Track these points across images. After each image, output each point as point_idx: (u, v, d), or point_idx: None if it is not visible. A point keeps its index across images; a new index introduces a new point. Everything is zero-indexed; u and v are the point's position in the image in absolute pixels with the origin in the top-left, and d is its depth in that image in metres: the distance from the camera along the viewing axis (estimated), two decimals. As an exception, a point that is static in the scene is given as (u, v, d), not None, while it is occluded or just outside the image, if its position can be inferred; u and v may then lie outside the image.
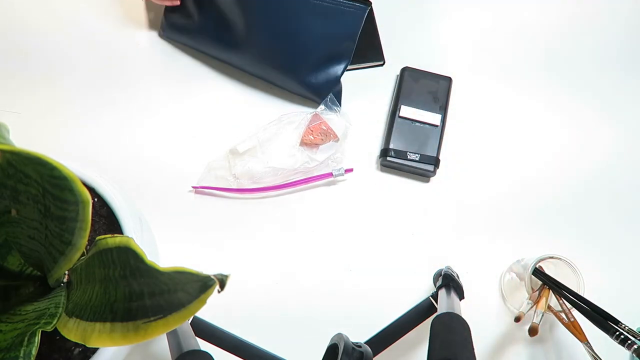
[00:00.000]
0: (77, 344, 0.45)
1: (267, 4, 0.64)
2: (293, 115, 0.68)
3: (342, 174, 0.66)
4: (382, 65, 0.72)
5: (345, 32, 0.65)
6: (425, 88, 0.69)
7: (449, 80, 0.70)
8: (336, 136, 0.67)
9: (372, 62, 0.72)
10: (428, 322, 0.56)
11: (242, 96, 0.70)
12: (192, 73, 0.71)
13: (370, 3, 0.65)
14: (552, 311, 0.58)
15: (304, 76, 0.67)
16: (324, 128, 0.66)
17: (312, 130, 0.66)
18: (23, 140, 0.37)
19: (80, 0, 0.72)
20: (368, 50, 0.71)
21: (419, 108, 0.68)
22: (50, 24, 0.71)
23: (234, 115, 0.69)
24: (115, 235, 0.35)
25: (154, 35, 0.72)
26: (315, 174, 0.66)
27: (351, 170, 0.66)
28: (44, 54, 0.70)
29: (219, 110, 0.69)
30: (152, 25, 0.72)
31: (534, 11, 0.76)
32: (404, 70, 0.70)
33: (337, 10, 0.64)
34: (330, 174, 0.66)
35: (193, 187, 0.65)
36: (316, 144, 0.67)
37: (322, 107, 0.68)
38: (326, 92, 0.68)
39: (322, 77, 0.67)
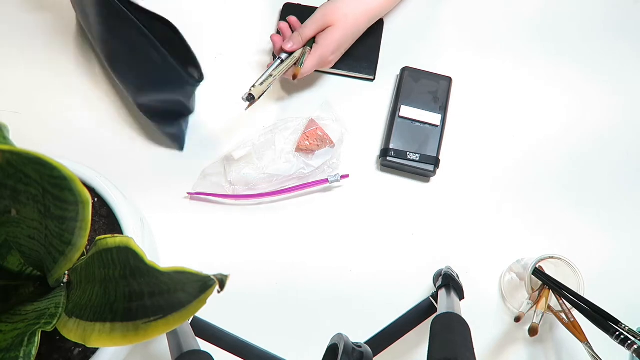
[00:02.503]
0: (77, 344, 0.45)
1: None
2: (288, 121, 0.68)
3: (337, 180, 0.66)
4: (371, 81, 0.72)
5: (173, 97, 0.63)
6: (425, 88, 0.69)
7: (449, 80, 0.70)
8: (332, 142, 0.67)
9: (363, 74, 0.71)
10: (428, 322, 0.56)
11: (234, 101, 0.70)
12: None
13: (201, 80, 0.60)
14: (552, 311, 0.58)
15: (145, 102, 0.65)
16: (320, 134, 0.66)
17: (307, 136, 0.66)
18: (23, 141, 0.37)
19: None
20: (363, 62, 0.71)
21: (419, 108, 0.68)
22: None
23: (228, 121, 0.69)
24: (115, 235, 0.35)
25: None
26: (311, 180, 0.66)
27: (347, 176, 0.66)
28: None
29: (213, 115, 0.69)
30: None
31: (533, 8, 0.76)
32: (404, 70, 0.70)
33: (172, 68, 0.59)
34: (326, 180, 0.66)
35: (188, 194, 0.65)
36: (312, 150, 0.67)
37: (318, 112, 0.68)
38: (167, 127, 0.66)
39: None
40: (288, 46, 0.64)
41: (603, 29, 0.76)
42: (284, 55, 0.65)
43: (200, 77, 0.61)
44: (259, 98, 0.62)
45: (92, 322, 0.34)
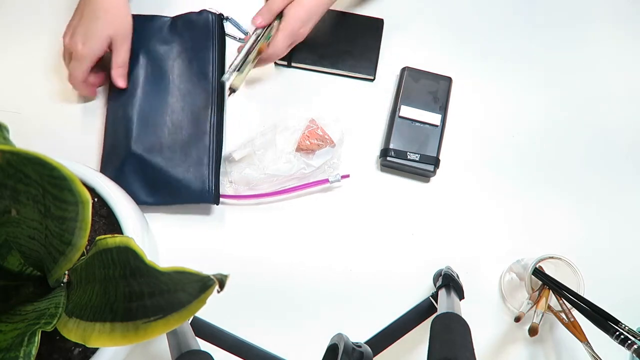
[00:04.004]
0: (77, 344, 0.45)
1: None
2: (289, 121, 0.68)
3: (338, 180, 0.66)
4: (371, 81, 0.72)
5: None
6: (425, 88, 0.69)
7: (449, 80, 0.70)
8: (332, 142, 0.67)
9: (363, 74, 0.71)
10: (428, 322, 0.56)
11: (235, 102, 0.70)
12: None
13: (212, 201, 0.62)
14: (552, 311, 0.58)
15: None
16: (321, 133, 0.66)
17: (308, 136, 0.66)
18: (23, 141, 0.37)
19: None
20: (363, 62, 0.71)
21: (419, 108, 0.68)
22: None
23: (229, 121, 0.69)
24: (115, 235, 0.35)
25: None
26: (312, 180, 0.66)
27: (347, 176, 0.66)
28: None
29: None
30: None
31: (533, 8, 0.76)
32: (404, 70, 0.70)
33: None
34: (327, 180, 0.66)
35: None
36: (312, 150, 0.67)
37: (318, 112, 0.67)
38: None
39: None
40: (258, 21, 0.60)
41: (603, 28, 0.76)
42: (259, 31, 0.62)
43: (216, 200, 0.62)
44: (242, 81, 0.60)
45: (92, 322, 0.34)
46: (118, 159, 0.63)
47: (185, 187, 0.62)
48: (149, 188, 0.62)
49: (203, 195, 0.62)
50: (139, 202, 0.59)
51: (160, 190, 0.62)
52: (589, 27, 0.76)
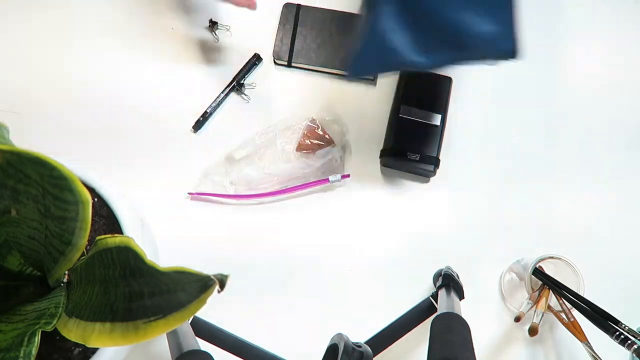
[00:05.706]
0: (77, 344, 0.45)
1: None
2: (289, 121, 0.68)
3: (338, 180, 0.66)
4: (372, 81, 0.71)
5: None
6: (425, 88, 0.69)
7: (449, 80, 0.70)
8: (333, 141, 0.67)
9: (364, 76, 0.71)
10: (428, 322, 0.56)
11: (235, 101, 0.70)
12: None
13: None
14: (552, 311, 0.58)
15: None
16: (321, 133, 0.66)
17: (308, 136, 0.66)
18: (23, 141, 0.37)
19: None
20: None
21: (419, 108, 0.68)
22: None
23: (230, 121, 0.69)
24: (115, 235, 0.35)
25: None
26: (312, 180, 0.66)
27: (348, 176, 0.66)
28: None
29: (215, 115, 0.69)
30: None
31: (532, 8, 0.76)
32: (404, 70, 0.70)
33: None
34: (327, 180, 0.66)
35: (189, 194, 0.65)
36: (312, 150, 0.67)
37: (318, 112, 0.67)
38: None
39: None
40: None
41: (602, 28, 0.76)
42: None
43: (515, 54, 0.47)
44: None
45: (92, 322, 0.34)
46: None
47: (475, 33, 0.45)
48: (419, 40, 0.45)
49: (501, 44, 0.46)
50: (406, 63, 0.44)
51: (434, 40, 0.45)
52: (589, 25, 0.76)
